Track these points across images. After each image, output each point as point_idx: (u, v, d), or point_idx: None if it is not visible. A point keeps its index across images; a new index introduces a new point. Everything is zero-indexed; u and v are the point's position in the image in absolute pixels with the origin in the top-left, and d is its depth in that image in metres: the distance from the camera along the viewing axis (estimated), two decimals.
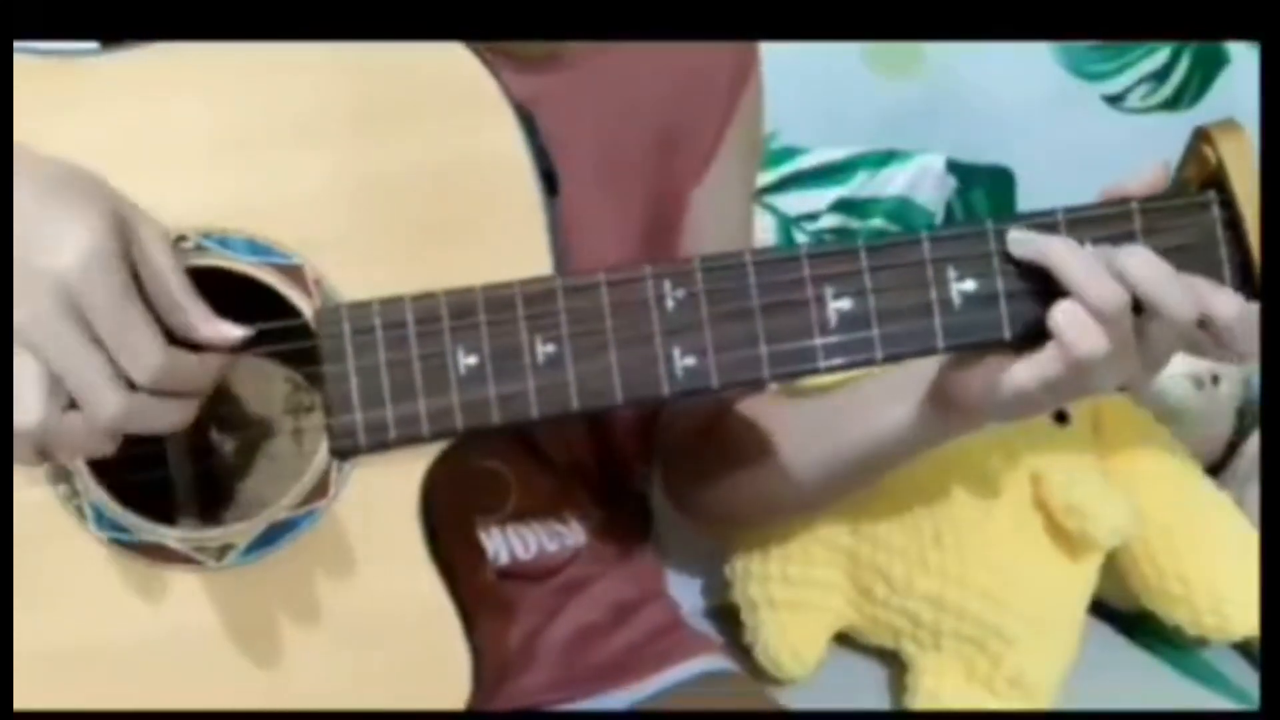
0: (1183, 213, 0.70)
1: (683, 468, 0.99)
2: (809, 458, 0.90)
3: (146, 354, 0.63)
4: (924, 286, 0.70)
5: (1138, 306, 0.69)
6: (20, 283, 0.62)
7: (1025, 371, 0.72)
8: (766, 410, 0.93)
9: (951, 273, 0.70)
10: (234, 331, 0.67)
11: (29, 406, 0.63)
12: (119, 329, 0.63)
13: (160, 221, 0.67)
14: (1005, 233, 0.70)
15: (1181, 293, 0.68)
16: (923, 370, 0.79)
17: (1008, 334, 0.70)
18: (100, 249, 0.63)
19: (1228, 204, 0.70)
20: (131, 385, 0.64)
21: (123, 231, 0.64)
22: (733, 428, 0.94)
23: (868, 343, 0.70)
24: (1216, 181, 0.70)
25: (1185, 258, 0.70)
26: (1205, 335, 0.70)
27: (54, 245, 0.62)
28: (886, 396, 0.83)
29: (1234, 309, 0.69)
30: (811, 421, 0.90)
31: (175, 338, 0.65)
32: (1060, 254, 0.69)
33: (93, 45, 0.72)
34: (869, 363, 0.70)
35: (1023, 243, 0.70)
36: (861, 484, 0.92)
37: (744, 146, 0.97)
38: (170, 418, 0.66)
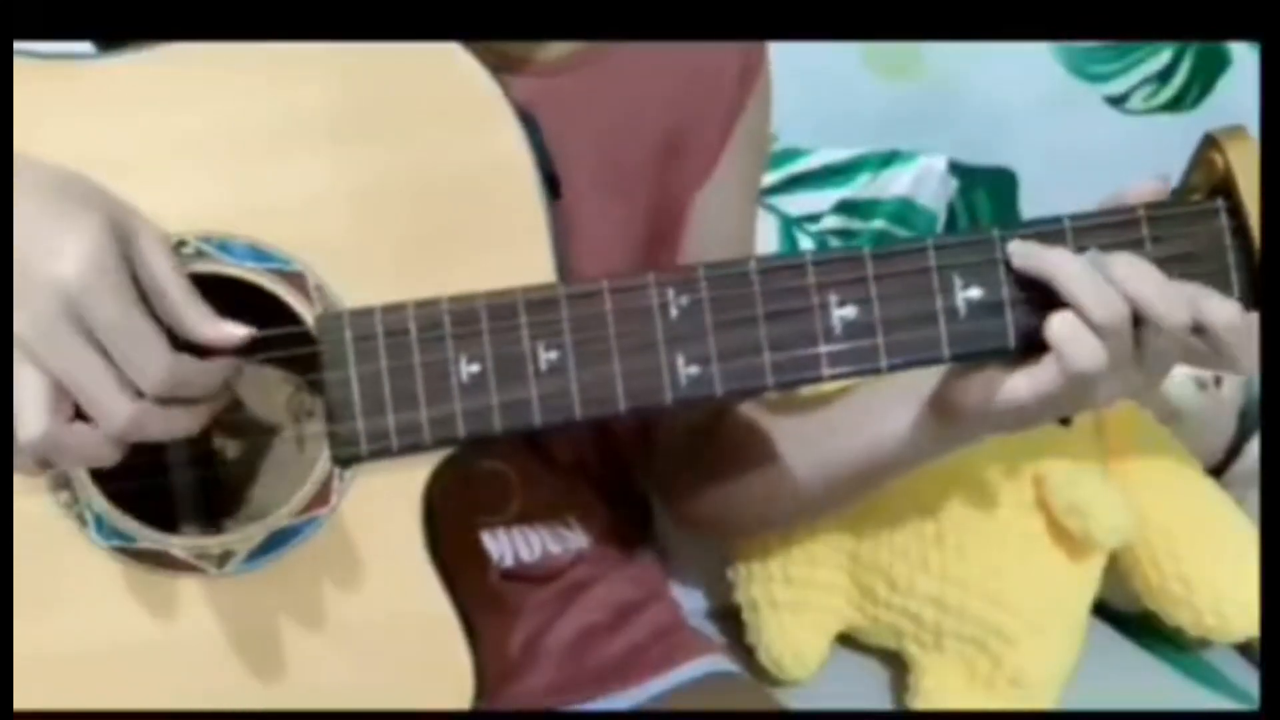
0: (1190, 220, 0.70)
1: (678, 475, 0.98)
2: (805, 466, 0.89)
3: (152, 363, 0.63)
4: (929, 294, 0.69)
5: (1137, 319, 0.68)
6: (21, 293, 0.62)
7: (1024, 384, 0.71)
8: (763, 418, 0.92)
9: (957, 280, 0.69)
10: (237, 331, 0.66)
11: (30, 419, 0.62)
12: (123, 338, 0.62)
13: (158, 226, 0.67)
14: (1011, 241, 0.69)
15: (1173, 298, 0.67)
16: (923, 379, 0.78)
17: (1013, 343, 0.70)
18: (100, 256, 0.62)
19: (1235, 212, 0.69)
20: (139, 393, 0.63)
21: (122, 237, 0.64)
22: (729, 435, 0.93)
23: (872, 351, 0.69)
24: (1224, 188, 0.69)
25: (1192, 265, 0.69)
26: (1204, 345, 0.69)
27: (54, 254, 0.62)
28: (886, 405, 0.82)
29: (1228, 315, 0.68)
30: (808, 429, 0.89)
31: (179, 342, 0.65)
32: (1060, 266, 0.68)
33: (90, 49, 0.72)
34: (874, 371, 0.70)
35: (1024, 255, 0.69)
36: (859, 494, 0.92)
37: (749, 145, 0.96)
38: (180, 424, 0.65)
